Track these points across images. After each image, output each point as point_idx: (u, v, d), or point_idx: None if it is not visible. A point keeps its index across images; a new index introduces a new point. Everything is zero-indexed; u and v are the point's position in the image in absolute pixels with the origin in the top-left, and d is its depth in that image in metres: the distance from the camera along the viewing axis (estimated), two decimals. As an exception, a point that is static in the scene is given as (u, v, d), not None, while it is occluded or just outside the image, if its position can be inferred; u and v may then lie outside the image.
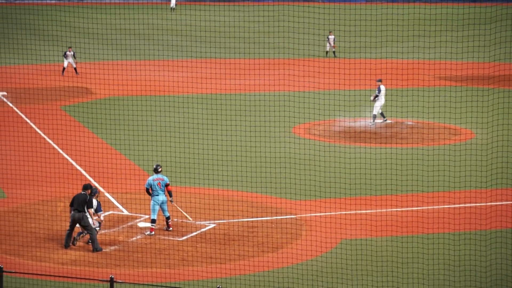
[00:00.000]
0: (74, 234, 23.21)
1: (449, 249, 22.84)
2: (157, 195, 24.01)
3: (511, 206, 26.45)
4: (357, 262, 21.85)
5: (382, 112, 39.30)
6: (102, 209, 23.54)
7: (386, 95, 39.18)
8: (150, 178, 24.20)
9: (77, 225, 22.84)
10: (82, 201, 22.65)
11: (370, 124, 38.85)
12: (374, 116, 39.00)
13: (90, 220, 22.89)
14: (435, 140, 35.87)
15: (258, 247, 23.15)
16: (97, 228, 23.13)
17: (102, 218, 23.42)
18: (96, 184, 27.96)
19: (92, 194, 23.12)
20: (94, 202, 23.10)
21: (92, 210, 22.92)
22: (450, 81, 51.11)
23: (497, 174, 27.76)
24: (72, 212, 22.71)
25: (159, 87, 46.73)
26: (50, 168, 29.41)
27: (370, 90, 42.63)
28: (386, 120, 39.45)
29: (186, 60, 48.83)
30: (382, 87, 39.01)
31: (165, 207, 24.18)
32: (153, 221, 23.98)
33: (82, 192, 22.84)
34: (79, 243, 23.20)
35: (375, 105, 39.04)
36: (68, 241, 22.94)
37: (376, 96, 38.83)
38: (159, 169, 24.30)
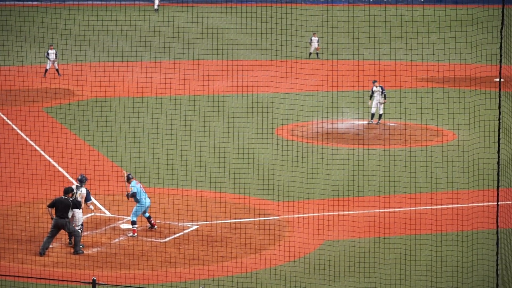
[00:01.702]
0: (54, 241, 23.01)
1: (431, 250, 22.92)
2: (145, 198, 23.98)
3: (492, 207, 26.54)
4: (339, 263, 21.89)
5: (373, 113, 39.50)
6: (91, 198, 23.55)
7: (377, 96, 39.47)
8: (133, 184, 24.11)
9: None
10: (66, 207, 22.36)
11: (376, 123, 39.14)
12: (380, 116, 39.32)
13: (79, 214, 22.86)
14: (417, 142, 35.99)
15: (241, 249, 23.15)
16: (79, 228, 23.04)
17: (92, 207, 23.52)
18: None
19: (84, 181, 23.23)
20: (84, 190, 23.18)
21: (84, 205, 23.08)
22: (432, 83, 51.27)
23: (479, 176, 27.86)
24: (55, 218, 22.40)
25: (141, 89, 46.63)
26: (32, 170, 29.29)
27: (353, 92, 42.70)
28: (371, 122, 39.58)
29: (169, 62, 48.72)
30: (374, 88, 39.37)
31: (147, 209, 24.22)
32: (134, 222, 23.94)
33: (64, 197, 22.57)
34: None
35: (379, 106, 39.32)
36: (45, 248, 22.38)
37: (384, 96, 39.24)
38: (131, 177, 24.33)
